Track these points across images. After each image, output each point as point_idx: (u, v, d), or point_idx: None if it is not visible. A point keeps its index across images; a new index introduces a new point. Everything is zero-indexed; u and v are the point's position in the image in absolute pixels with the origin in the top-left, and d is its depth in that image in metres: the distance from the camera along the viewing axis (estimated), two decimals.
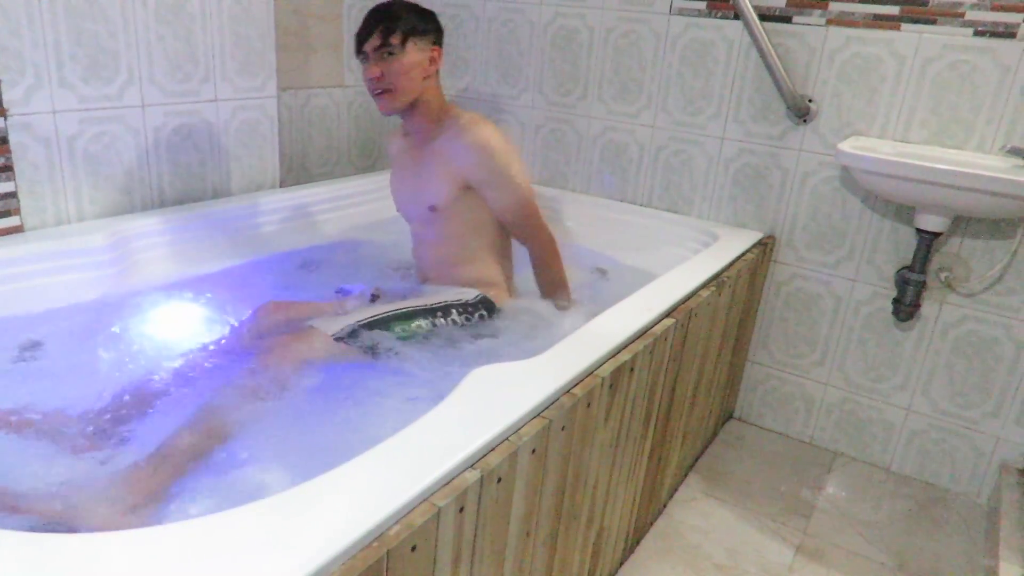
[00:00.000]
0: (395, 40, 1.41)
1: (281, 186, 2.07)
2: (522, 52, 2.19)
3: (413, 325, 1.40)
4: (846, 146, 1.63)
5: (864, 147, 1.65)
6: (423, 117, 1.51)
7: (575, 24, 2.08)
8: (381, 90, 1.44)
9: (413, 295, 1.50)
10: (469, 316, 1.47)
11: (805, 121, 1.81)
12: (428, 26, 1.47)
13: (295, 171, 2.20)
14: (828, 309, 1.93)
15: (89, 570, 0.65)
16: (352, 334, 1.33)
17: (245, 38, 1.87)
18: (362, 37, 1.44)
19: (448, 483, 0.83)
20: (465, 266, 1.56)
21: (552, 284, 1.57)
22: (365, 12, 1.45)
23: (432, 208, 1.52)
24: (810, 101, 1.79)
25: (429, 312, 1.43)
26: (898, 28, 1.67)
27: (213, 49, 1.80)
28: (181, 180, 1.81)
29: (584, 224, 2.12)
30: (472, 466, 0.86)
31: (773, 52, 1.75)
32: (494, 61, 2.25)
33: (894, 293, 1.81)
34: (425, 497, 0.79)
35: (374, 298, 1.54)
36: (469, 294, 1.50)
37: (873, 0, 1.69)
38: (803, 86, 1.80)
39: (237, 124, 1.90)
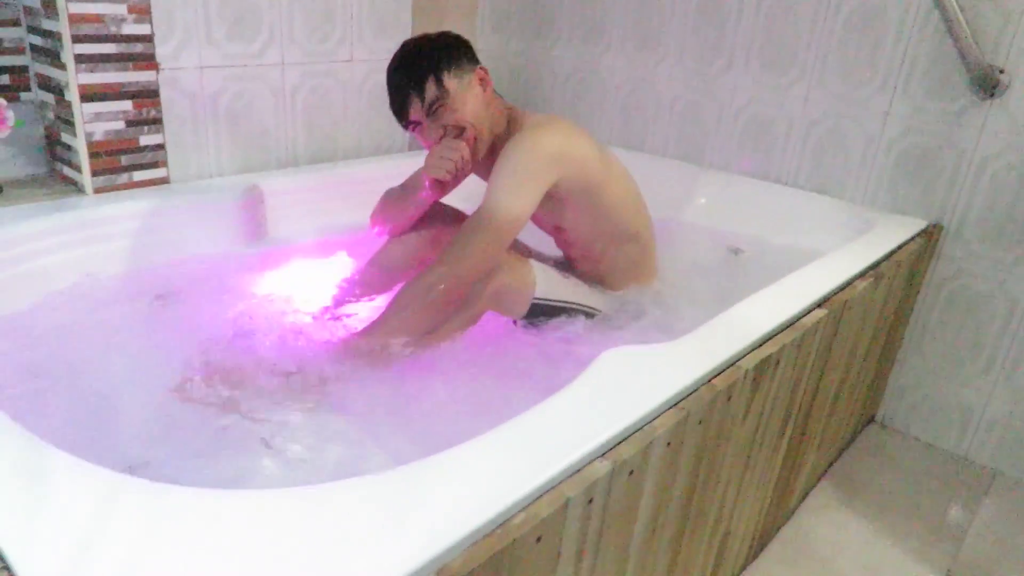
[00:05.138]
0: (433, 88, 1.24)
1: (408, 150, 2.06)
2: (664, 18, 2.06)
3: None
4: None
5: None
6: (501, 149, 1.29)
7: None
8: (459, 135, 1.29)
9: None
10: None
11: (992, 96, 1.58)
12: (454, 51, 1.27)
13: None
14: (1000, 312, 1.70)
15: (205, 524, 0.63)
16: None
17: (382, 0, 1.85)
18: (401, 106, 1.27)
19: (577, 473, 0.76)
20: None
21: (404, 302, 1.23)
22: None
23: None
24: (1001, 72, 1.56)
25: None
26: None
27: (351, 10, 1.79)
28: (315, 140, 1.83)
29: (721, 202, 1.98)
30: (603, 456, 0.79)
31: (960, 15, 1.53)
32: (632, 28, 2.12)
33: None
34: (553, 486, 0.73)
35: None
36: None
37: None
38: (993, 56, 1.57)
39: (370, 87, 1.90)
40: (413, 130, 1.31)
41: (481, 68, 1.31)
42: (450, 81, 1.26)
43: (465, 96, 1.27)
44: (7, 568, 0.58)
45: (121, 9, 1.39)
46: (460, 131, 1.28)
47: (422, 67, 1.25)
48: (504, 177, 1.24)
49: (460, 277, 1.23)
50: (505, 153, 1.25)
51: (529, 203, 1.24)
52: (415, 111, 1.27)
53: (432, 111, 1.26)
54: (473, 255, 1.22)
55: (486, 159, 1.35)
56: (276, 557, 0.60)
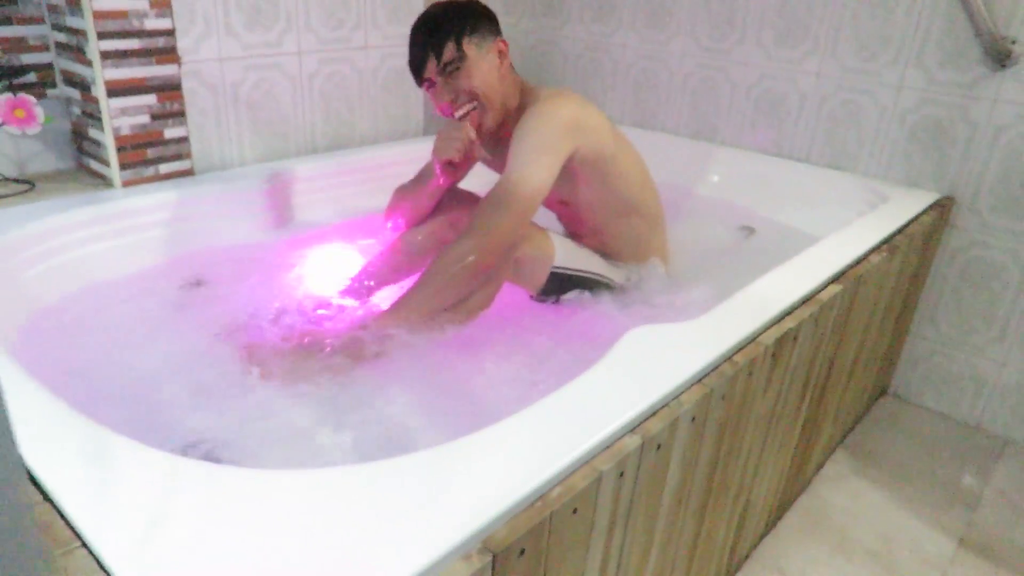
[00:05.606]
0: (452, 49, 1.26)
1: (424, 134, 2.08)
2: None
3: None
4: None
5: None
6: (513, 124, 1.32)
7: None
8: (466, 111, 1.29)
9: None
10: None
11: (1004, 66, 1.59)
12: (479, 20, 1.29)
13: (438, 119, 2.20)
14: (1013, 282, 1.72)
15: (261, 502, 0.67)
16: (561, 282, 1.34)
17: None
18: (418, 62, 1.28)
19: (609, 447, 0.80)
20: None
21: (431, 277, 1.23)
22: None
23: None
24: (1013, 43, 1.56)
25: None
26: None
27: None
28: (332, 127, 1.85)
29: (734, 179, 2.00)
30: (632, 431, 0.83)
31: None
32: (642, 5, 2.13)
33: None
34: (587, 460, 0.77)
35: None
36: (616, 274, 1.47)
37: None
38: (1007, 26, 1.58)
39: (384, 72, 1.92)
40: (427, 89, 1.32)
41: (502, 41, 1.33)
42: (469, 46, 1.27)
43: (481, 64, 1.28)
44: (85, 545, 0.63)
45: (143, 4, 1.41)
46: (470, 98, 1.29)
47: (445, 27, 1.26)
48: (524, 149, 1.25)
49: (487, 250, 1.23)
50: (523, 125, 1.27)
51: (550, 173, 1.25)
52: (431, 69, 1.28)
53: (447, 71, 1.27)
54: (499, 228, 1.22)
55: (496, 136, 1.37)
56: (329, 532, 0.64)
